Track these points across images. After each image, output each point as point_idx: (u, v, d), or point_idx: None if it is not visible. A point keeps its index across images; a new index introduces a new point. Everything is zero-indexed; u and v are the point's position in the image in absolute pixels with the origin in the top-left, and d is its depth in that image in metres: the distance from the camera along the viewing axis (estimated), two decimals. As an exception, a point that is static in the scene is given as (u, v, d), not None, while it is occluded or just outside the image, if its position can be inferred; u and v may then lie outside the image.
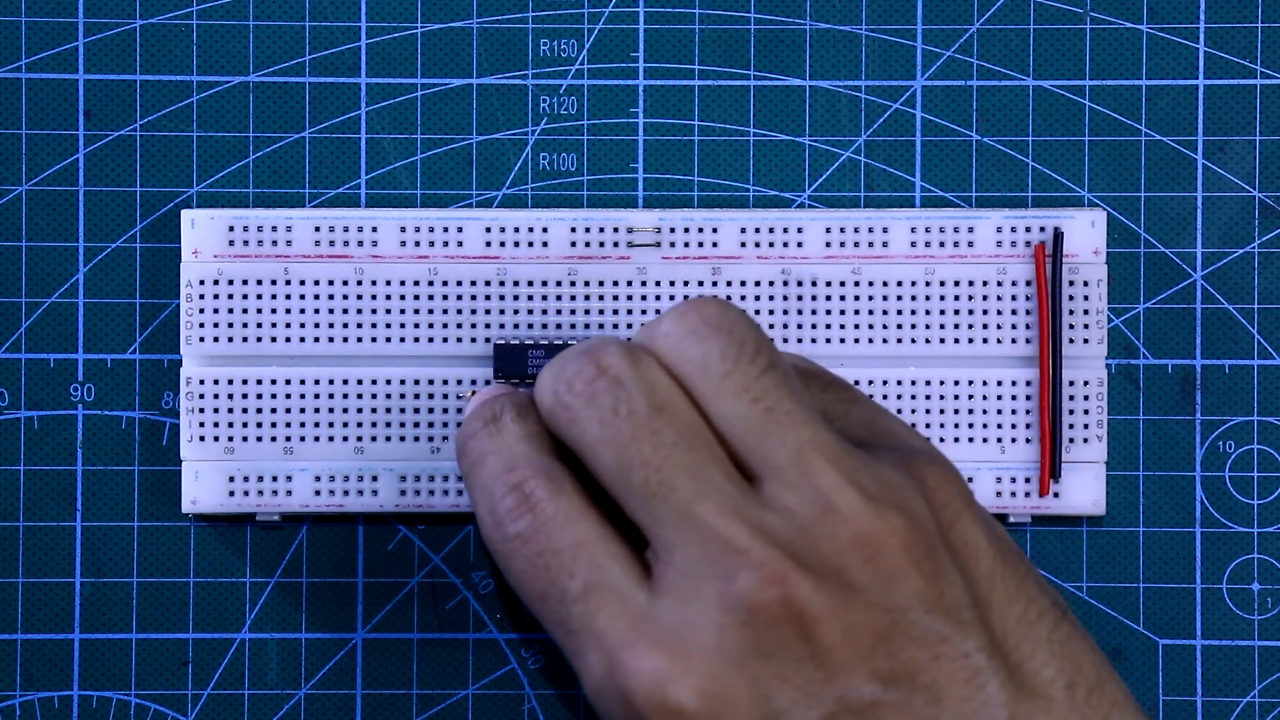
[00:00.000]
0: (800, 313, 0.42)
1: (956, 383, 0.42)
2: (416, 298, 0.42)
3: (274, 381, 0.42)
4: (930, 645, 0.31)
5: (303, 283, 0.42)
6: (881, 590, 0.31)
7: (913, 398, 0.42)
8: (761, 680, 0.31)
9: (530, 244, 0.42)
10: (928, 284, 0.42)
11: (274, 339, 0.42)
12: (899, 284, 0.42)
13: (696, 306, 0.34)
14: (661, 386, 0.33)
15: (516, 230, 0.42)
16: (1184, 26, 0.43)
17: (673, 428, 0.33)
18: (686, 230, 0.42)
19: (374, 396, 0.42)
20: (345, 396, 0.42)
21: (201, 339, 0.42)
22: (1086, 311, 0.42)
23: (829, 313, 0.42)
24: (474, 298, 0.42)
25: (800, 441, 0.32)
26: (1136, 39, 0.43)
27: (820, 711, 0.31)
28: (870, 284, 0.42)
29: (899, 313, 0.42)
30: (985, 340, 0.42)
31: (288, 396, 0.42)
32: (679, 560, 0.32)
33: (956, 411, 0.42)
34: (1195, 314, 0.43)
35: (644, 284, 0.42)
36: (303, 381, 0.42)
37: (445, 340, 0.42)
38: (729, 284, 0.42)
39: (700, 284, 0.42)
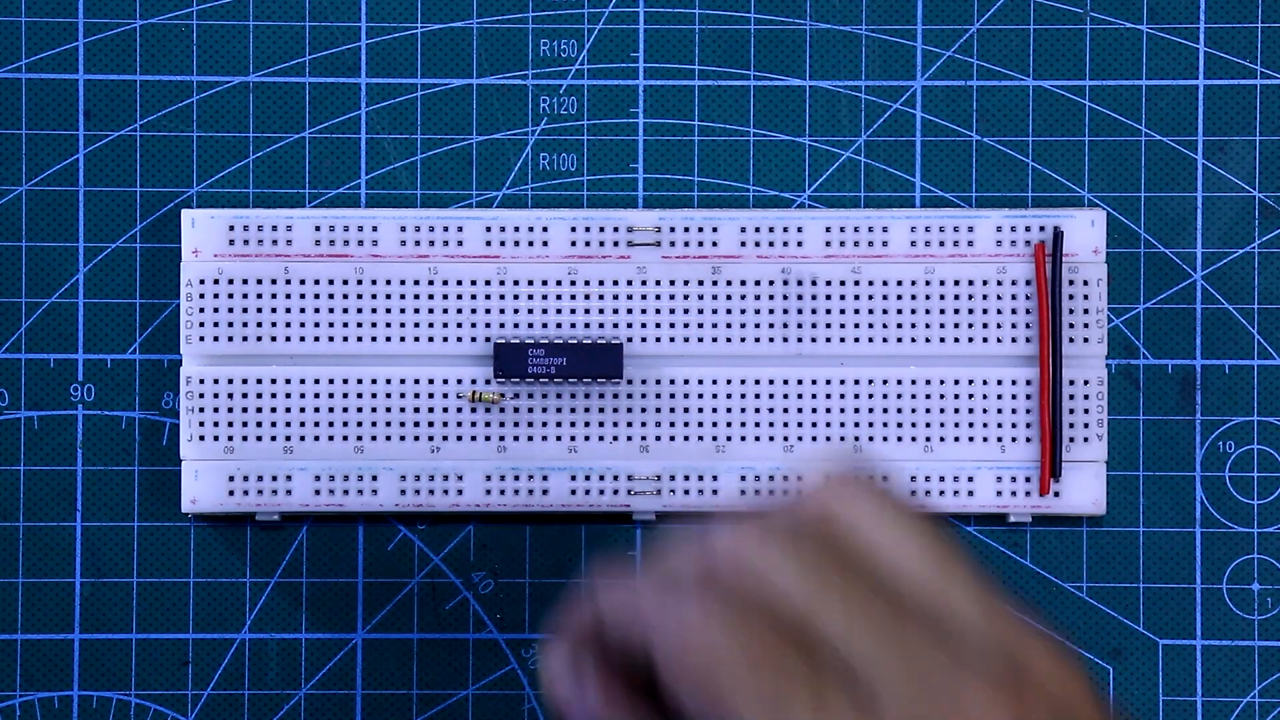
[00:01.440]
0: (800, 312, 0.42)
1: (956, 382, 0.42)
2: (416, 297, 0.42)
3: (274, 381, 0.42)
4: None
5: (303, 282, 0.42)
6: None
7: (913, 397, 0.42)
8: None
9: (530, 244, 0.42)
10: (928, 283, 0.42)
11: (274, 339, 0.42)
12: (899, 283, 0.42)
13: (840, 474, 0.32)
14: (833, 542, 0.31)
15: (516, 230, 0.42)
16: (1184, 26, 0.43)
17: (855, 569, 0.31)
18: (686, 230, 0.42)
19: (374, 396, 0.42)
20: (345, 396, 0.42)
21: (201, 339, 0.42)
22: (1086, 311, 0.42)
23: (829, 312, 0.42)
24: (474, 297, 0.42)
25: (979, 587, 0.31)
26: (1136, 39, 0.43)
27: None
28: (870, 283, 0.42)
29: (899, 312, 0.42)
30: (985, 340, 0.42)
31: (288, 396, 0.42)
32: (892, 676, 0.28)
33: (956, 411, 0.42)
34: (1195, 314, 0.43)
35: (644, 283, 0.42)
36: (303, 381, 0.42)
37: (445, 340, 0.42)
38: (729, 283, 0.42)
39: (700, 283, 0.42)
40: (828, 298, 0.42)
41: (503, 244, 0.42)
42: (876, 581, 0.31)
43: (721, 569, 0.31)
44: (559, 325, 0.42)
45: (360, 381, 0.42)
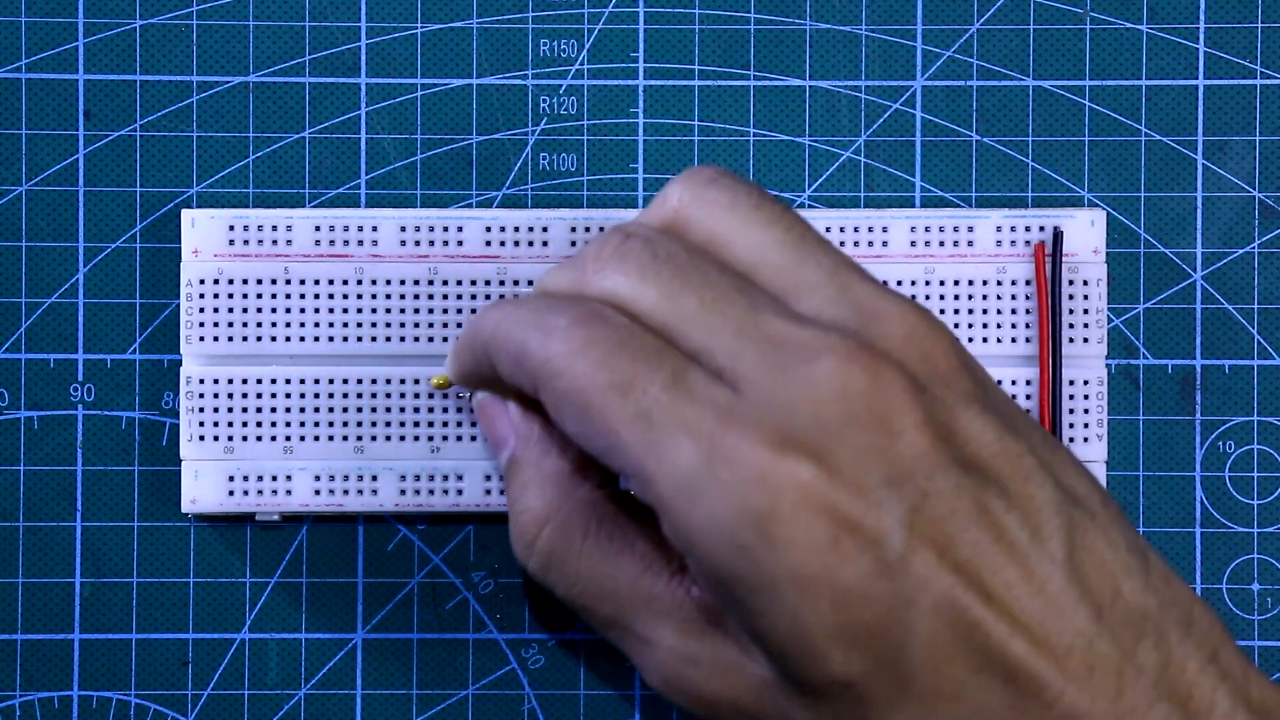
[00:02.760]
0: (800, 312, 0.42)
1: (956, 382, 0.42)
2: (416, 297, 0.42)
3: (274, 381, 0.42)
4: (988, 443, 0.32)
5: (303, 282, 0.42)
6: (940, 386, 0.32)
7: (913, 397, 0.42)
8: (861, 452, 0.31)
9: (530, 244, 0.42)
10: (928, 284, 0.42)
11: (274, 339, 0.42)
12: (899, 284, 0.42)
13: (701, 168, 0.35)
14: (690, 242, 0.34)
15: (516, 230, 0.42)
16: (1184, 26, 0.43)
17: (713, 265, 0.33)
18: (686, 230, 0.42)
19: (374, 396, 0.42)
20: (345, 396, 0.42)
21: (201, 339, 0.42)
22: (1086, 311, 0.42)
23: (829, 312, 0.42)
24: (474, 297, 0.42)
25: (834, 262, 0.33)
26: (1136, 39, 0.43)
27: (913, 489, 0.31)
28: (870, 284, 0.42)
29: (899, 312, 0.42)
30: (985, 340, 0.42)
31: (287, 396, 0.42)
32: (751, 361, 0.32)
33: (956, 411, 0.42)
34: (1195, 314, 0.43)
35: (644, 284, 0.42)
36: (303, 381, 0.42)
37: (445, 340, 0.42)
38: (729, 284, 0.42)
39: (700, 284, 0.42)
40: (828, 298, 0.42)
41: (503, 244, 0.42)
42: (732, 273, 0.33)
43: (588, 290, 0.34)
44: (559, 325, 0.42)
45: (360, 381, 0.42)
